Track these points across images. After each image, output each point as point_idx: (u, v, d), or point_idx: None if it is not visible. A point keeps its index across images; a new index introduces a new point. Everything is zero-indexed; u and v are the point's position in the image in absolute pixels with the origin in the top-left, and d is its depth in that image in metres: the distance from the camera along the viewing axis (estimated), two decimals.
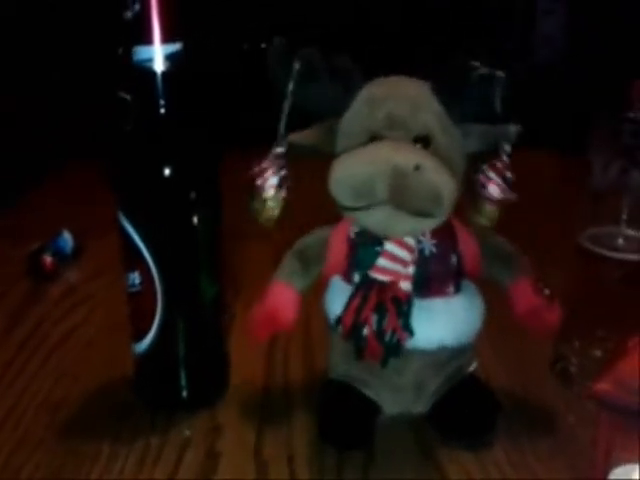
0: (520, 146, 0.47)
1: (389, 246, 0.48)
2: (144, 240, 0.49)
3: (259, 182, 0.48)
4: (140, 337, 0.52)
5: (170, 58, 0.47)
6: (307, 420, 0.52)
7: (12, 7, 1.39)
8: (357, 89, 0.49)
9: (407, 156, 0.44)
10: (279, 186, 0.48)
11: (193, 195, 0.50)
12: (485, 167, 0.46)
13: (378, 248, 0.48)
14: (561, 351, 0.59)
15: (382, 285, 0.48)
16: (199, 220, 0.51)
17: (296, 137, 0.49)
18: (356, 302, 0.48)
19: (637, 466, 0.39)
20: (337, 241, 0.51)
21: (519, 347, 0.61)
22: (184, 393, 0.54)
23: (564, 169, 0.57)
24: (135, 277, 0.51)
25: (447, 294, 0.50)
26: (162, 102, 0.48)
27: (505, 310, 0.51)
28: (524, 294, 0.51)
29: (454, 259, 0.50)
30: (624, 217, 0.56)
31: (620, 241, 0.56)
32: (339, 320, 0.49)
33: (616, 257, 0.56)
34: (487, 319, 0.52)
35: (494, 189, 0.46)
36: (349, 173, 0.45)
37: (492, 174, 0.46)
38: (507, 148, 0.46)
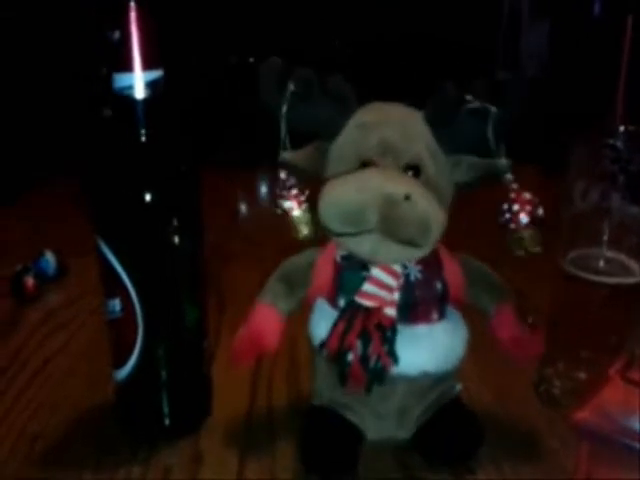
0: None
1: (375, 272, 0.48)
2: (124, 266, 0.49)
3: (280, 211, 0.48)
4: (121, 364, 0.52)
5: (150, 85, 0.47)
6: (290, 446, 0.52)
7: None
8: (350, 113, 0.49)
9: (398, 185, 0.44)
10: (299, 206, 0.48)
11: (173, 221, 0.50)
12: (505, 207, 0.47)
13: (364, 273, 0.48)
14: (545, 373, 0.59)
15: (367, 311, 0.48)
16: (179, 245, 0.50)
17: (289, 156, 0.50)
18: (341, 327, 0.48)
19: None
20: (323, 264, 0.51)
21: (503, 370, 0.61)
22: (166, 421, 0.54)
23: (550, 186, 0.58)
24: (115, 304, 0.50)
25: (431, 320, 0.50)
26: (141, 129, 0.48)
27: (490, 334, 0.52)
28: (507, 323, 0.51)
29: (439, 286, 0.50)
30: (605, 239, 0.56)
31: (601, 263, 0.56)
32: (323, 344, 0.49)
33: (598, 280, 0.56)
34: (472, 342, 0.52)
35: (524, 217, 0.47)
36: (340, 199, 0.45)
37: (514, 207, 0.47)
38: (508, 177, 0.47)
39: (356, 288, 0.48)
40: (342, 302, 0.49)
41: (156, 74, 0.47)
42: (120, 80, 0.47)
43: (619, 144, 0.55)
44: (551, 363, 0.59)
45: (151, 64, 0.47)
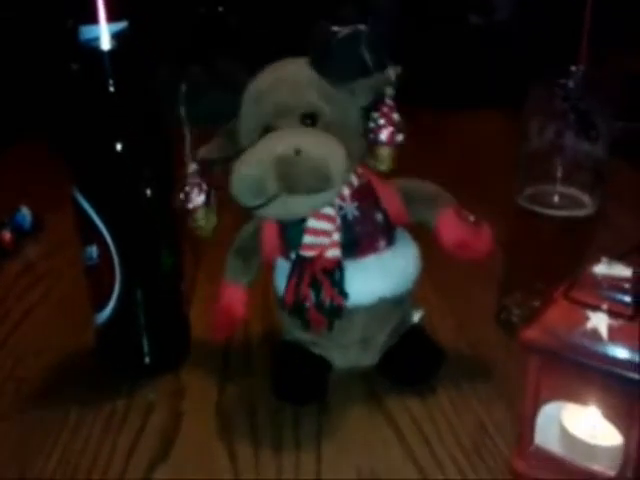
0: (475, 105, 0.50)
1: (311, 222, 0.50)
2: (99, 214, 0.51)
3: (189, 206, 0.50)
4: (100, 308, 0.54)
5: (116, 36, 0.48)
6: (266, 379, 0.55)
7: None
8: (244, 87, 0.51)
9: (286, 144, 0.46)
10: (206, 204, 0.50)
11: (144, 169, 0.52)
12: (374, 115, 0.49)
13: (302, 225, 0.50)
14: (504, 302, 0.63)
15: (311, 260, 0.50)
16: (153, 193, 0.52)
17: (203, 152, 0.52)
18: (293, 281, 0.51)
19: (563, 403, 0.43)
20: (267, 227, 0.53)
21: (465, 299, 0.65)
22: (147, 359, 0.56)
23: (514, 128, 0.60)
24: (92, 250, 0.52)
25: (378, 250, 0.52)
26: (111, 80, 0.49)
27: (452, 263, 0.54)
28: (449, 226, 0.52)
29: (379, 216, 0.52)
30: (559, 176, 0.59)
31: (556, 198, 0.59)
32: (282, 301, 0.52)
33: (552, 214, 0.59)
34: (435, 274, 0.55)
35: (384, 134, 0.49)
36: (241, 177, 0.47)
37: (381, 120, 0.49)
38: (390, 91, 0.49)
39: (299, 241, 0.50)
40: (293, 256, 0.52)
41: (121, 25, 0.48)
42: (86, 32, 0.48)
43: (570, 83, 0.57)
44: (510, 293, 0.62)
45: (116, 15, 0.48)
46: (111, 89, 0.49)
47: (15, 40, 1.31)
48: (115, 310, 0.54)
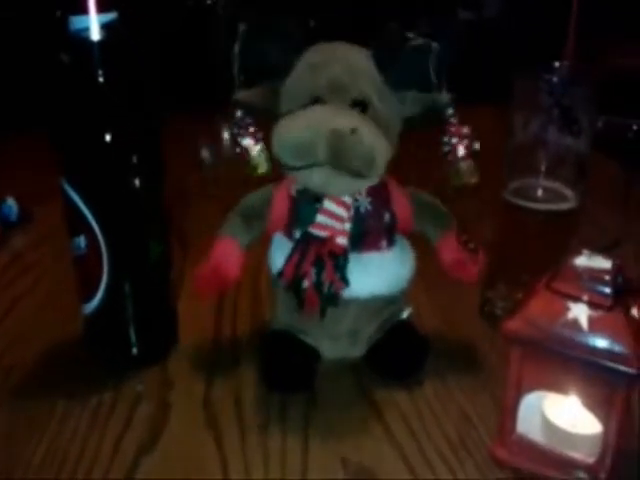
0: (463, 100, 0.51)
1: (327, 204, 0.51)
2: (87, 205, 0.51)
3: (239, 150, 0.51)
4: (88, 298, 0.54)
5: (106, 27, 0.48)
6: (254, 369, 0.55)
7: None
8: (300, 52, 0.52)
9: (345, 120, 0.47)
10: (257, 143, 0.51)
11: (133, 159, 0.52)
12: (444, 139, 0.50)
13: (317, 205, 0.51)
14: (488, 295, 0.64)
15: (320, 240, 0.51)
16: (141, 183, 0.52)
17: (243, 95, 0.52)
18: (296, 257, 0.51)
19: (544, 392, 0.44)
20: (279, 199, 0.54)
21: (451, 293, 0.66)
22: (134, 350, 0.57)
23: (501, 123, 0.61)
24: (80, 241, 0.52)
25: (380, 248, 0.53)
26: (100, 71, 0.49)
27: (436, 260, 0.56)
28: (450, 248, 0.55)
29: (387, 216, 0.53)
30: (542, 170, 0.60)
31: (540, 192, 0.60)
32: (281, 274, 0.52)
33: (536, 207, 0.60)
34: (422, 269, 0.56)
35: (460, 149, 0.50)
36: (291, 135, 0.47)
37: (454, 139, 0.50)
38: (450, 112, 0.50)
39: (310, 220, 0.51)
40: (298, 234, 0.52)
41: (111, 16, 0.48)
42: (76, 22, 0.48)
43: (554, 78, 0.58)
44: (493, 286, 0.63)
45: (106, 6, 0.48)
46: (100, 79, 0.49)
47: (3, 31, 1.30)
48: (103, 300, 0.54)
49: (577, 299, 0.41)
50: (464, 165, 0.51)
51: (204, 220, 0.53)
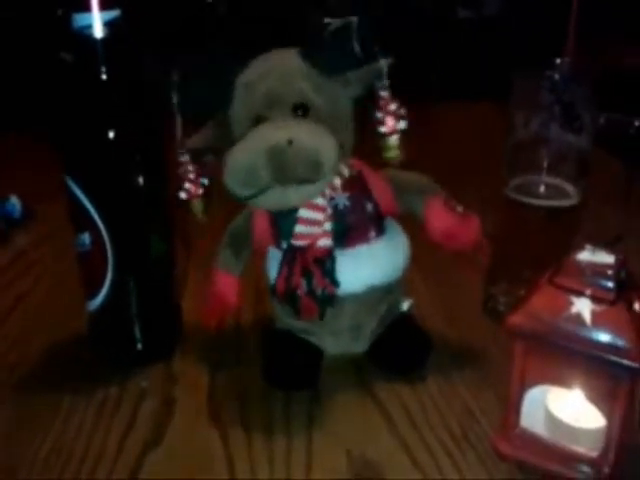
0: (463, 97, 0.51)
1: (302, 212, 0.51)
2: (91, 201, 0.51)
3: (183, 196, 0.51)
4: (93, 295, 0.55)
5: (109, 24, 0.48)
6: (257, 365, 0.55)
7: None
8: (236, 76, 0.51)
9: (278, 135, 0.47)
10: (201, 190, 0.51)
11: (137, 156, 0.52)
12: (373, 111, 0.50)
13: (294, 215, 0.51)
14: (491, 291, 0.64)
15: (303, 250, 0.51)
16: (145, 180, 0.53)
17: (194, 141, 0.52)
18: (285, 270, 0.52)
19: (547, 387, 0.45)
20: (259, 217, 0.54)
21: (453, 288, 0.66)
22: (139, 346, 0.57)
23: (502, 120, 0.61)
24: (85, 237, 0.53)
25: (369, 239, 0.53)
26: (103, 68, 0.49)
27: (440, 253, 0.55)
28: (437, 215, 0.53)
29: (369, 206, 0.53)
30: (544, 167, 0.60)
31: (542, 189, 0.60)
32: (273, 289, 0.53)
33: (538, 204, 0.60)
34: (424, 265, 0.56)
35: (388, 124, 0.50)
36: (233, 167, 0.47)
37: (379, 114, 0.50)
38: (384, 82, 0.50)
39: (290, 231, 0.51)
40: (285, 245, 0.52)
41: (114, 14, 0.49)
42: (79, 20, 0.48)
43: (556, 76, 0.58)
44: (496, 282, 0.64)
45: (109, 3, 0.48)
46: (104, 76, 0.50)
47: (4, 30, 1.30)
48: (107, 297, 0.54)
49: (580, 293, 0.42)
50: (388, 141, 0.50)
51: (208, 218, 0.54)
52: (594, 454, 0.43)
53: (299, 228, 0.51)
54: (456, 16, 2.45)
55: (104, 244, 0.52)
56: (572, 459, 0.44)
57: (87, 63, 0.50)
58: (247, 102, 0.50)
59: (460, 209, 0.54)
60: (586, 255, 0.42)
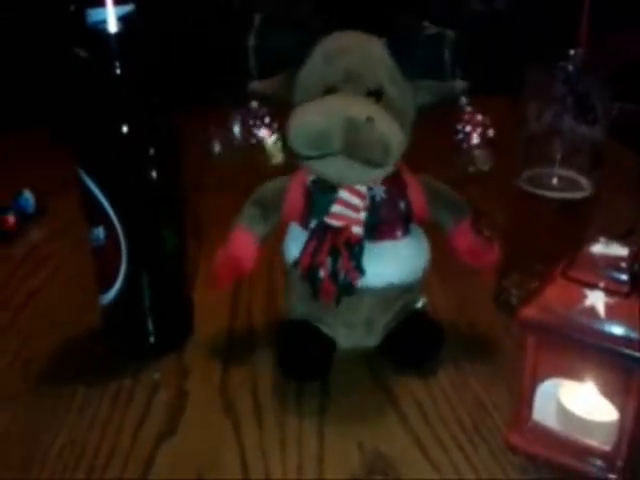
0: (475, 90, 0.51)
1: (342, 193, 0.51)
2: (106, 195, 0.51)
3: (254, 140, 0.51)
4: (106, 288, 0.55)
5: (123, 19, 0.49)
6: (269, 357, 0.56)
7: None
8: (315, 41, 0.52)
9: (359, 109, 0.47)
10: (272, 134, 0.51)
11: (149, 151, 0.52)
12: (458, 127, 0.51)
13: (333, 195, 0.51)
14: (503, 284, 0.64)
15: (336, 230, 0.51)
16: (158, 174, 0.53)
17: (258, 85, 0.53)
18: (312, 246, 0.52)
19: (560, 380, 0.44)
20: (294, 189, 0.54)
21: (466, 282, 0.66)
22: (152, 339, 0.57)
23: (514, 112, 0.61)
24: (99, 231, 0.53)
25: (395, 238, 0.54)
26: (117, 62, 0.49)
27: (450, 249, 0.56)
28: (464, 235, 0.55)
29: (402, 205, 0.53)
30: (557, 159, 0.60)
31: (555, 181, 0.60)
32: (296, 263, 0.52)
33: (551, 196, 0.60)
34: (437, 259, 0.56)
35: (475, 137, 0.50)
36: (306, 125, 0.48)
37: (468, 127, 0.50)
38: (464, 100, 0.50)
39: (326, 210, 0.52)
40: (313, 224, 0.52)
41: (128, 9, 0.49)
42: (93, 15, 0.48)
43: (569, 67, 0.58)
44: (508, 275, 0.63)
45: None
46: (118, 71, 0.50)
47: (17, 25, 1.30)
48: (121, 291, 0.54)
49: (594, 286, 0.41)
50: (478, 152, 0.51)
51: (219, 212, 0.54)
52: (607, 447, 0.43)
53: (336, 208, 0.51)
54: (469, 9, 2.44)
55: (118, 238, 0.52)
56: (585, 452, 0.44)
57: (101, 58, 0.50)
58: (323, 71, 0.50)
59: (486, 232, 0.56)
60: (599, 248, 0.42)
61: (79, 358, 0.58)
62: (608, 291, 0.41)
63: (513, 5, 2.35)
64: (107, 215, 0.52)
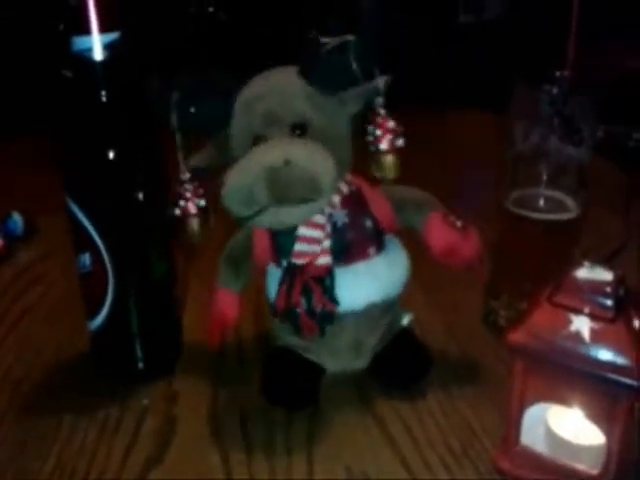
0: (461, 106, 0.51)
1: (302, 230, 0.51)
2: (92, 222, 0.51)
3: (177, 213, 0.51)
4: (94, 314, 0.55)
5: (108, 47, 0.49)
6: (258, 383, 0.55)
7: None
8: (235, 95, 0.52)
9: (276, 154, 0.47)
10: (200, 212, 0.51)
11: (137, 177, 0.52)
12: (370, 128, 0.50)
13: (293, 234, 0.51)
14: (491, 305, 0.64)
15: (302, 268, 0.51)
16: (145, 200, 0.53)
17: (194, 161, 0.52)
18: (284, 288, 0.52)
19: (547, 405, 0.45)
20: (259, 235, 0.54)
21: (453, 302, 0.66)
22: (140, 364, 0.57)
23: (500, 131, 0.61)
24: (85, 258, 0.53)
25: (368, 256, 0.53)
26: (103, 90, 0.50)
27: (439, 268, 0.55)
28: (437, 231, 0.53)
29: (369, 223, 0.53)
30: (544, 180, 0.60)
31: (541, 202, 0.60)
32: (273, 307, 0.53)
33: (538, 217, 0.60)
34: (423, 277, 0.56)
35: (384, 142, 0.50)
36: (231, 188, 0.47)
37: (378, 131, 0.50)
38: (380, 100, 0.50)
39: (289, 250, 0.51)
40: (284, 263, 0.52)
41: (114, 36, 0.49)
42: (79, 43, 0.48)
43: (555, 89, 0.58)
44: (496, 296, 0.64)
45: (108, 26, 0.48)
46: (103, 99, 0.50)
47: (10, 41, 1.31)
48: (108, 317, 0.54)
49: (579, 311, 0.41)
50: (384, 159, 0.50)
51: (209, 232, 0.54)
52: (594, 471, 0.43)
53: (299, 246, 0.51)
54: (457, 21, 2.46)
55: (105, 265, 0.52)
56: (572, 476, 0.44)
57: (87, 85, 0.50)
58: (246, 122, 0.51)
59: (459, 224, 0.54)
60: (584, 272, 0.42)
61: (68, 381, 0.58)
62: (593, 316, 0.41)
63: (502, 18, 2.37)
64: (93, 242, 0.52)
